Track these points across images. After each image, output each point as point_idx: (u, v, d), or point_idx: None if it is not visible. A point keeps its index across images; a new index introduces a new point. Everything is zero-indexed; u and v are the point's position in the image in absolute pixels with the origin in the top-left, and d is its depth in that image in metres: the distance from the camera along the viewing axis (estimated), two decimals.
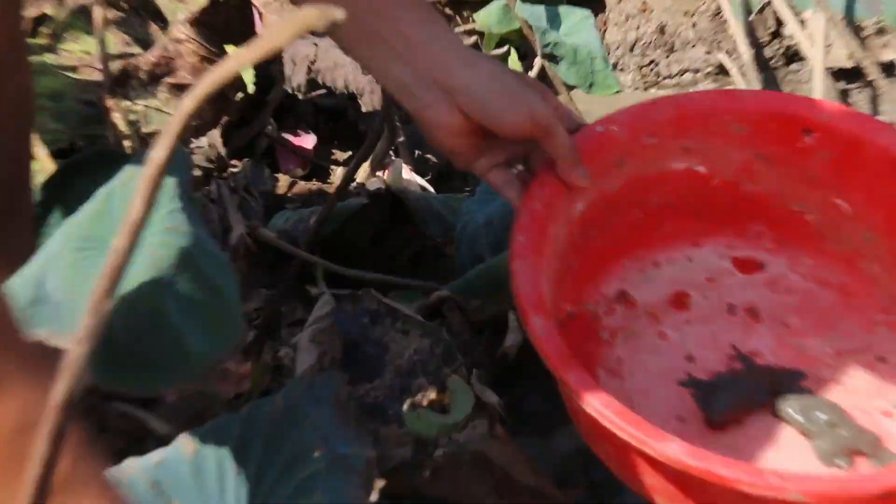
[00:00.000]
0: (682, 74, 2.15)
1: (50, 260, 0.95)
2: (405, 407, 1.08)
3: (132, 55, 1.82)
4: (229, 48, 1.75)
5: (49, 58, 1.76)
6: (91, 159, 1.36)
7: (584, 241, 1.08)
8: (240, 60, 0.41)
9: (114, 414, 1.14)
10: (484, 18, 2.09)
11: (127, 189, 1.05)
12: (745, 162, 1.14)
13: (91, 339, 0.42)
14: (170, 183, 1.01)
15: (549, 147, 0.96)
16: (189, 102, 0.41)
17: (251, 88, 1.78)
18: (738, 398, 1.01)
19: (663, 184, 1.14)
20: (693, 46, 2.15)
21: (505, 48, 2.09)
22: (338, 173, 1.83)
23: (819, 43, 1.94)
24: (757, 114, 1.11)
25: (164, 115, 1.73)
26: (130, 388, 0.90)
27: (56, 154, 1.52)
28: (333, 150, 1.92)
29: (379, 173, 1.76)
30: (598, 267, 1.13)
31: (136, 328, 0.88)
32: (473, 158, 0.99)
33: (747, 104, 1.12)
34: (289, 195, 1.73)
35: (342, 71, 1.86)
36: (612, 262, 1.15)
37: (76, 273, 0.93)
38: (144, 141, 1.70)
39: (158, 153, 0.40)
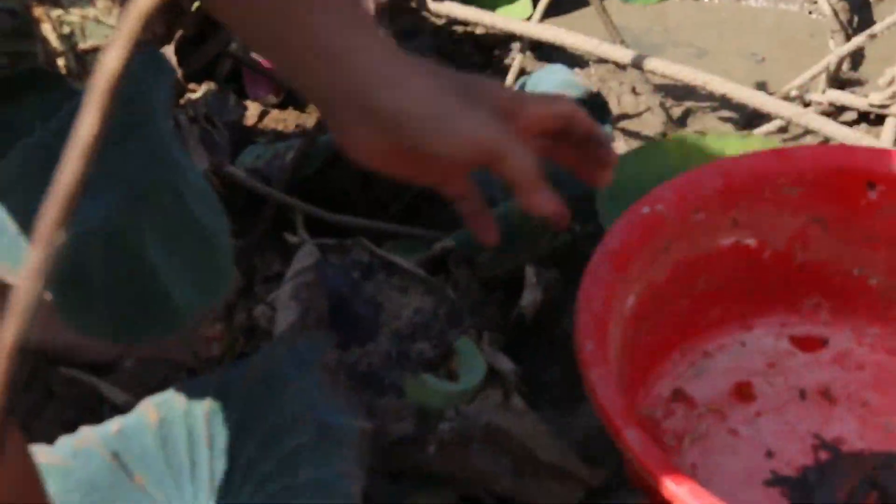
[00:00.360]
0: None
1: (3, 190, 1.06)
2: (406, 374, 1.20)
3: None
4: None
5: None
6: (17, 80, 1.47)
7: (635, 339, 1.23)
8: None
9: (61, 380, 1.27)
10: None
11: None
12: (799, 228, 1.31)
13: (41, 274, 0.44)
14: (148, 95, 1.11)
15: (502, 175, 0.97)
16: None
17: None
18: (840, 492, 1.15)
19: (711, 264, 1.30)
20: None
21: None
22: None
23: None
24: (813, 171, 1.29)
25: (105, 28, 1.84)
26: (107, 337, 1.02)
27: None
28: None
29: None
30: (648, 366, 1.29)
31: (114, 271, 1.00)
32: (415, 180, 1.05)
33: (803, 162, 1.30)
34: (259, 127, 1.84)
35: None
36: (661, 359, 1.31)
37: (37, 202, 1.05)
38: (81, 59, 1.82)
39: (112, 60, 0.43)
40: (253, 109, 1.86)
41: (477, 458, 1.11)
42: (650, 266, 1.23)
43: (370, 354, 1.34)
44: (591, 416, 1.27)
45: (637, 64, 1.73)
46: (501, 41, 2.10)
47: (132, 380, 1.31)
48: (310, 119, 1.87)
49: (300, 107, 1.93)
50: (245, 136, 1.79)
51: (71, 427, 1.17)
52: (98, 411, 1.26)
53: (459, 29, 2.12)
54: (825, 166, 1.29)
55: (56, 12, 1.82)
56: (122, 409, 1.23)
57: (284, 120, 1.87)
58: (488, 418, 1.14)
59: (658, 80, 1.93)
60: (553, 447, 1.14)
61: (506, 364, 1.28)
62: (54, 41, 1.80)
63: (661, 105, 1.92)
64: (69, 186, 0.44)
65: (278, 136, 1.82)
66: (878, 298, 1.33)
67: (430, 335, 1.36)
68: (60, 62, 1.80)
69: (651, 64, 1.73)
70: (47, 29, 1.80)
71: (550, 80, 1.65)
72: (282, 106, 1.92)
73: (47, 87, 1.51)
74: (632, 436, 1.00)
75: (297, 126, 1.86)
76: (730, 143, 1.55)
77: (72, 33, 1.81)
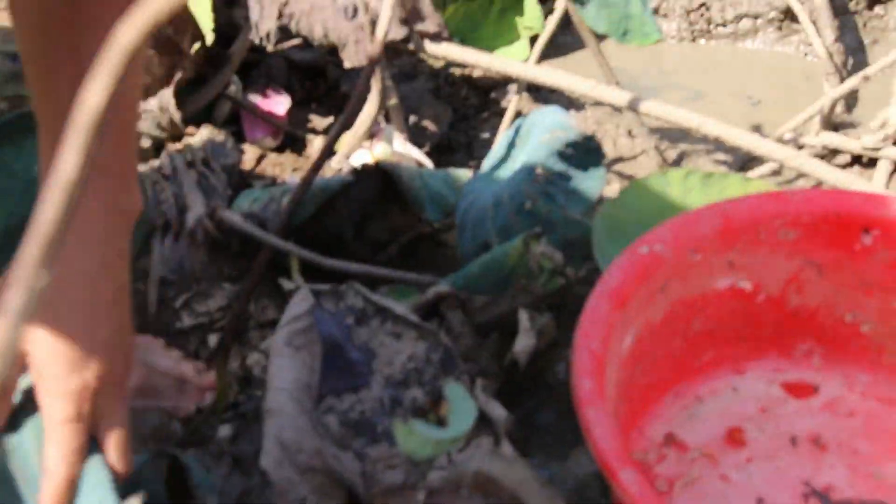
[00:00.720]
0: (738, 21, 2.26)
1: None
2: (395, 421, 1.20)
3: None
4: None
5: None
6: (17, 124, 1.48)
7: (631, 380, 1.23)
8: None
9: None
10: None
11: None
12: (794, 272, 1.31)
13: (24, 320, 0.43)
14: None
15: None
16: (127, 33, 0.42)
17: (210, 38, 1.87)
18: None
19: (706, 306, 1.31)
20: None
21: None
22: (316, 144, 1.94)
23: None
24: (810, 215, 1.29)
25: None
26: None
27: None
28: (311, 116, 2.03)
29: (366, 144, 1.86)
30: (641, 408, 1.29)
31: None
32: None
33: (799, 206, 1.30)
34: (257, 171, 1.85)
35: (321, 15, 1.96)
36: (655, 401, 1.31)
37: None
38: None
39: (93, 97, 0.42)
40: (251, 153, 1.87)
41: None
42: (647, 306, 1.23)
43: (363, 401, 1.34)
44: (584, 464, 1.26)
45: (632, 106, 1.73)
46: (498, 83, 2.11)
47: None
48: (307, 163, 1.87)
49: (298, 150, 1.93)
50: (243, 180, 1.79)
51: None
52: None
53: (457, 71, 2.13)
54: (820, 210, 1.29)
55: None
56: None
57: (282, 164, 1.87)
58: (478, 466, 1.14)
59: (653, 123, 1.93)
60: (543, 495, 1.13)
61: (498, 410, 1.27)
62: None
63: (657, 147, 1.92)
64: (50, 227, 0.43)
65: (276, 179, 1.82)
66: (869, 345, 1.33)
67: (423, 381, 1.36)
68: None
69: (646, 106, 1.72)
70: None
71: (545, 121, 1.64)
72: (279, 149, 1.92)
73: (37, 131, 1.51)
74: (627, 477, 0.99)
75: (294, 170, 1.86)
76: (730, 183, 1.55)
77: None
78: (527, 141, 1.64)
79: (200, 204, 1.57)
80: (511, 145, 1.66)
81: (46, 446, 1.00)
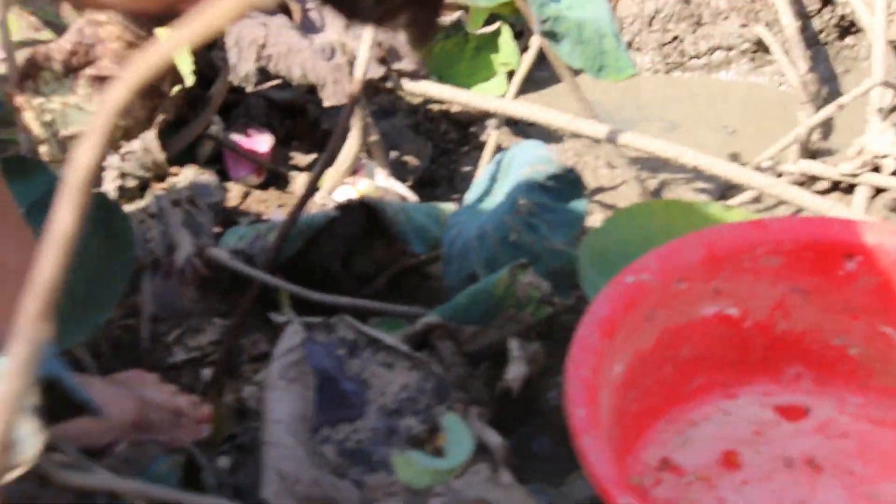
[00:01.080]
0: (711, 53, 2.30)
1: None
2: (393, 451, 1.21)
3: (42, 42, 1.94)
4: (159, 31, 1.88)
5: None
6: (1, 168, 1.49)
7: (623, 407, 1.24)
8: (174, 44, 0.43)
9: (55, 467, 1.27)
10: None
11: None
12: (779, 298, 1.34)
13: (27, 368, 0.45)
14: None
15: None
16: (116, 93, 0.44)
17: (190, 81, 1.89)
18: None
19: (694, 333, 1.33)
20: (725, 18, 2.30)
21: (496, 25, 2.23)
22: (299, 180, 1.96)
23: (881, 11, 2.09)
24: (793, 242, 1.32)
25: (86, 114, 1.86)
26: None
27: None
28: (292, 154, 2.05)
29: (348, 180, 1.89)
30: (635, 434, 1.31)
31: None
32: None
33: (781, 233, 1.33)
34: (242, 207, 1.86)
35: (299, 57, 1.98)
36: (647, 427, 1.33)
37: None
38: (63, 145, 1.83)
39: (84, 155, 0.44)
40: (235, 190, 1.88)
41: None
42: (636, 334, 1.25)
43: (358, 431, 1.35)
44: (581, 488, 1.28)
45: (611, 138, 1.76)
46: (476, 118, 2.13)
47: (124, 463, 1.31)
48: (291, 199, 1.89)
49: (281, 187, 1.95)
50: (228, 217, 1.81)
51: None
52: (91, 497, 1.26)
53: (435, 107, 2.15)
54: (803, 238, 1.31)
55: (38, 100, 1.84)
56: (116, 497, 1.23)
57: (266, 200, 1.89)
58: (477, 493, 1.15)
59: (632, 154, 1.96)
60: None
61: (493, 438, 1.29)
62: (36, 129, 1.82)
63: (637, 178, 1.95)
64: (48, 281, 0.44)
65: (261, 216, 1.84)
66: (858, 368, 1.35)
67: (417, 410, 1.37)
68: (43, 149, 1.82)
69: (625, 138, 1.75)
70: (29, 117, 1.82)
71: (526, 155, 1.67)
72: (263, 186, 1.94)
73: (30, 174, 1.52)
74: (626, 503, 1.01)
75: (279, 206, 1.88)
76: (712, 212, 1.57)
77: (53, 121, 1.83)
78: (508, 174, 1.66)
79: (188, 242, 1.59)
80: (493, 179, 1.69)
81: None
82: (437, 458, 1.19)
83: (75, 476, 1.23)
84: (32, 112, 1.84)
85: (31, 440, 1.19)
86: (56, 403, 1.07)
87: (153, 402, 1.40)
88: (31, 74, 1.86)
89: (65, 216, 0.44)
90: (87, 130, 0.44)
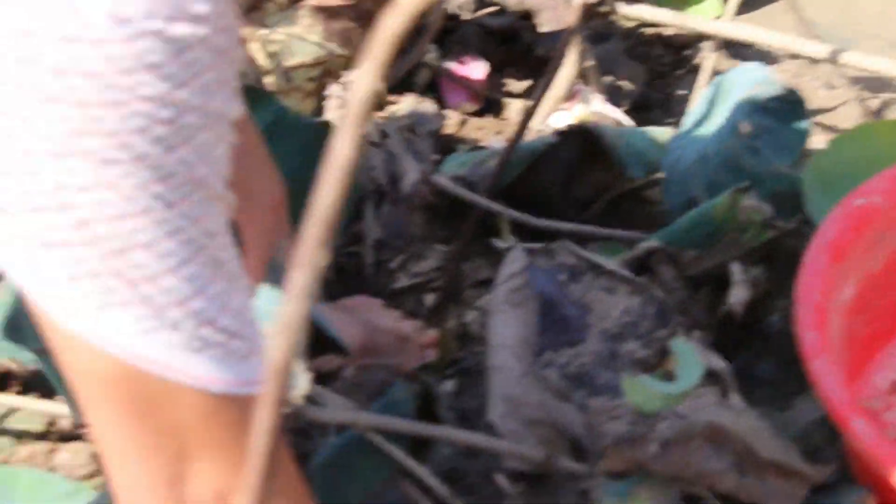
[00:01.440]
0: None
1: None
2: (623, 375, 1.21)
3: None
4: None
5: None
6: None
7: (852, 331, 1.22)
8: None
9: None
10: None
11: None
12: None
13: (307, 297, 0.46)
14: None
15: None
16: (394, 21, 0.44)
17: None
18: None
19: None
20: None
21: None
22: (513, 107, 1.96)
23: None
24: None
25: (310, 45, 1.89)
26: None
27: None
28: (506, 80, 2.05)
29: (564, 106, 1.88)
30: (865, 357, 1.28)
31: None
32: None
33: None
34: (459, 135, 1.87)
35: None
36: (878, 351, 1.30)
37: None
38: (287, 76, 1.87)
39: (365, 81, 0.44)
40: (453, 118, 1.89)
41: (699, 457, 1.11)
42: (866, 257, 1.22)
43: (581, 355, 1.36)
44: (806, 412, 1.26)
45: (832, 58, 1.71)
46: (691, 41, 2.10)
47: (353, 387, 1.34)
48: (507, 126, 1.89)
49: (497, 114, 1.96)
50: (446, 145, 1.82)
51: None
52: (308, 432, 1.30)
53: (650, 31, 2.12)
54: None
55: (262, 32, 1.87)
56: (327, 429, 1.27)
57: (483, 127, 1.90)
58: (708, 417, 1.14)
59: (852, 73, 1.90)
60: (775, 444, 1.13)
61: (717, 362, 1.28)
62: (262, 60, 1.85)
63: (857, 98, 1.89)
64: (328, 209, 0.45)
65: (478, 143, 1.85)
66: None
67: (639, 334, 1.37)
68: (268, 80, 1.85)
69: (846, 57, 1.70)
70: (255, 48, 1.86)
71: (746, 77, 1.64)
72: (480, 113, 1.94)
73: (256, 104, 1.56)
74: (860, 426, 0.99)
75: (496, 133, 1.88)
76: None
77: (277, 52, 1.86)
78: (728, 97, 1.63)
79: (414, 169, 1.61)
80: (712, 102, 1.66)
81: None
82: (668, 383, 1.18)
83: (319, 411, 1.26)
84: (258, 43, 1.87)
85: (300, 376, 1.23)
86: (309, 340, 1.11)
87: (379, 327, 1.43)
88: (257, 6, 1.90)
89: (344, 144, 0.44)
90: (365, 60, 0.44)
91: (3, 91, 0.65)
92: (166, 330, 0.69)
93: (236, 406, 0.73)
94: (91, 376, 0.72)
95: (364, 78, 0.44)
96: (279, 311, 0.47)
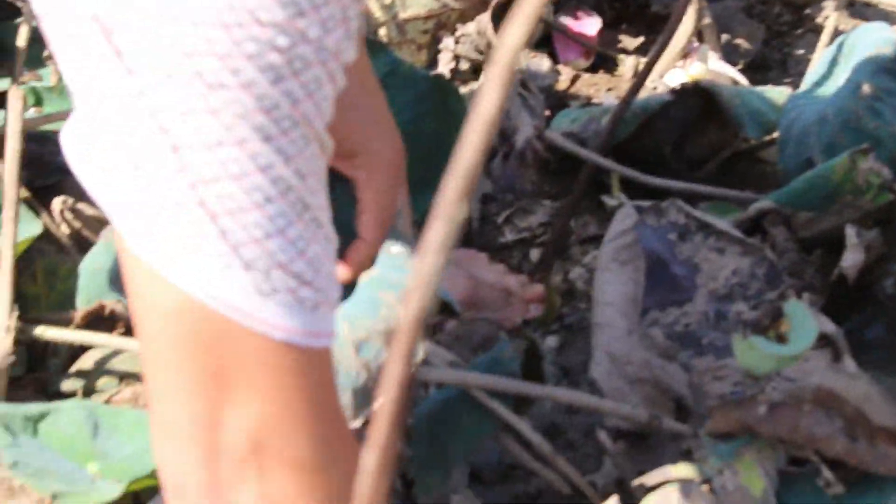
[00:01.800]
0: None
1: None
2: (733, 337, 1.18)
3: None
4: None
5: None
6: None
7: None
8: None
9: None
10: None
11: None
12: None
13: (444, 248, 0.45)
14: None
15: None
16: None
17: None
18: None
19: None
20: None
21: None
22: (627, 64, 1.93)
23: None
24: None
25: None
26: None
27: None
28: (621, 37, 2.02)
29: (679, 63, 1.85)
30: None
31: None
32: None
33: None
34: (571, 91, 1.85)
35: None
36: None
37: None
38: (401, 28, 1.86)
39: (513, 36, 0.43)
40: (565, 74, 1.87)
41: (808, 421, 1.08)
42: None
43: (687, 315, 1.34)
44: None
45: None
46: (812, 0, 2.05)
47: (455, 340, 1.33)
48: (620, 83, 1.87)
49: (609, 70, 1.93)
50: (558, 101, 1.80)
51: None
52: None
53: None
54: None
55: None
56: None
57: (596, 84, 1.87)
58: (819, 381, 1.11)
59: None
60: (887, 410, 1.09)
61: (829, 325, 1.24)
62: (377, 11, 1.84)
63: None
64: (471, 160, 0.43)
65: (591, 99, 1.82)
66: None
67: (747, 296, 1.34)
68: (382, 31, 1.85)
69: None
70: (370, 0, 1.85)
71: (870, 38, 1.59)
72: (593, 70, 1.92)
73: (371, 54, 1.55)
74: None
75: (608, 90, 1.86)
76: None
77: (392, 4, 1.85)
78: (850, 57, 1.59)
79: (527, 124, 1.59)
80: (834, 62, 1.62)
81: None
82: (780, 345, 1.15)
83: (428, 371, 1.25)
84: None
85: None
86: None
87: (484, 280, 1.41)
88: None
89: (491, 95, 0.42)
90: (516, 13, 0.43)
91: (114, 5, 0.65)
92: (239, 269, 0.68)
93: (292, 356, 0.71)
94: (154, 308, 0.71)
95: (513, 32, 0.43)
96: (414, 265, 0.46)
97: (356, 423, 1.03)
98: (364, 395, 1.03)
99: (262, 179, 0.67)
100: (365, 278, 1.07)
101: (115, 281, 1.31)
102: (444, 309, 1.35)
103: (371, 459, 0.51)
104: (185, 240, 0.68)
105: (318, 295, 0.71)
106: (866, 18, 1.95)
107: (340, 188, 1.16)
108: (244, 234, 0.68)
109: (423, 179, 1.19)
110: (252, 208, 0.67)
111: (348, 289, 1.08)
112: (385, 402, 0.48)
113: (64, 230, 1.45)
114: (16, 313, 1.28)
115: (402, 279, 1.04)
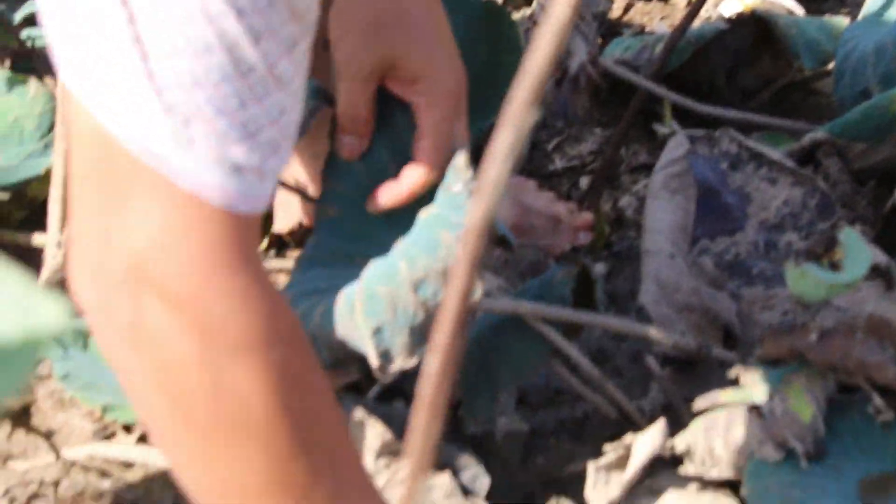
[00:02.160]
0: None
1: None
2: (786, 265, 1.16)
3: None
4: None
5: None
6: None
7: None
8: None
9: None
10: None
11: None
12: None
13: (511, 154, 0.44)
14: None
15: None
16: None
17: None
18: None
19: None
20: None
21: None
22: None
23: None
24: None
25: None
26: None
27: None
28: None
29: None
30: None
31: None
32: None
33: None
34: (625, 19, 1.83)
35: None
36: None
37: None
38: None
39: None
40: (618, 2, 1.85)
41: (860, 349, 1.07)
42: None
43: (738, 244, 1.32)
44: None
45: None
46: None
47: (504, 265, 1.33)
48: (674, 11, 1.84)
49: None
50: (611, 29, 1.78)
51: None
52: None
53: None
54: None
55: None
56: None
57: (649, 12, 1.85)
58: (872, 309, 1.10)
59: None
60: None
61: (882, 256, 1.23)
62: None
63: None
64: (540, 67, 0.43)
65: (644, 28, 1.80)
66: None
67: (799, 226, 1.33)
68: None
69: None
70: None
71: None
72: None
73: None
74: None
75: (661, 18, 1.83)
76: None
77: None
78: None
79: (581, 50, 1.57)
80: None
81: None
82: (835, 274, 1.14)
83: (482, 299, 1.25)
84: None
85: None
86: None
87: (532, 207, 1.40)
88: None
89: (562, 5, 0.42)
90: None
91: None
92: (160, 112, 0.73)
93: (194, 201, 0.75)
94: (77, 134, 0.77)
95: None
96: (479, 182, 0.45)
97: (412, 362, 1.02)
98: (421, 334, 1.02)
99: (207, 29, 0.71)
100: (424, 216, 1.06)
101: None
102: (501, 242, 1.34)
103: (428, 390, 0.50)
104: (114, 79, 0.72)
105: (246, 158, 0.74)
106: None
107: (400, 113, 1.15)
108: (172, 80, 0.71)
109: (475, 104, 1.17)
110: (187, 56, 0.70)
111: (406, 227, 1.07)
112: (450, 306, 0.48)
113: None
114: (67, 228, 1.29)
115: (461, 219, 1.03)
